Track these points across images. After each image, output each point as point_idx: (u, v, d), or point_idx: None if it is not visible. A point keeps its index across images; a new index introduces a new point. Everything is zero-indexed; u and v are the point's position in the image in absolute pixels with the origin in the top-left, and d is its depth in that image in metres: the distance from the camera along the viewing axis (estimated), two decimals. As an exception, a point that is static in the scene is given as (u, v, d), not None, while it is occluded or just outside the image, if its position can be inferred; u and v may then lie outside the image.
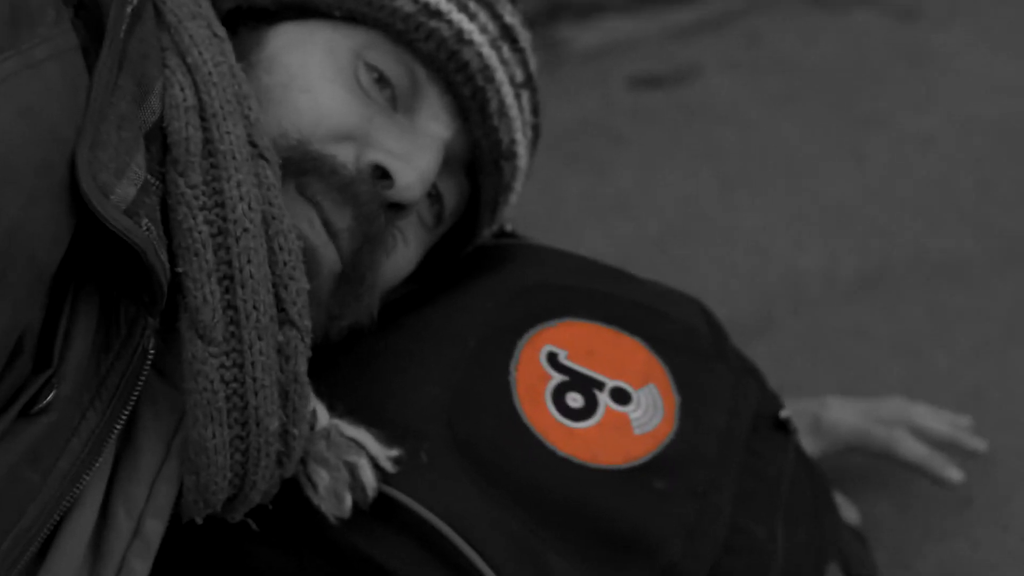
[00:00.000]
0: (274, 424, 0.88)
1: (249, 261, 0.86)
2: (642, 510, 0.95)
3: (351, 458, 0.93)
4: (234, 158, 0.88)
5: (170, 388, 0.91)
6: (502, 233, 1.18)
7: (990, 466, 1.49)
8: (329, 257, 0.96)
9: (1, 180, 0.73)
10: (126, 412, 0.85)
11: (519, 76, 1.07)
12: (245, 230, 0.86)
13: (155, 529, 0.90)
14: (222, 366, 0.86)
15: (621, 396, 1.00)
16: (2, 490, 0.78)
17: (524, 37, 1.10)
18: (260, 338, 0.87)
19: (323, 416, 0.95)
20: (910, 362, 1.68)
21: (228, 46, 0.94)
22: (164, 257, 0.82)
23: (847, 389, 1.52)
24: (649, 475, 0.96)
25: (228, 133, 0.88)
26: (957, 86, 2.34)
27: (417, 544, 0.91)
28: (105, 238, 0.79)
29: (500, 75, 1.05)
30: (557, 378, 0.99)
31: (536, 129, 1.11)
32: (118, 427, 0.85)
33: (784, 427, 1.08)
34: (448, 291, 1.05)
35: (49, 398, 0.78)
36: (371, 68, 1.00)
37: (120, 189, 0.81)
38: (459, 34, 1.03)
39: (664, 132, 2.20)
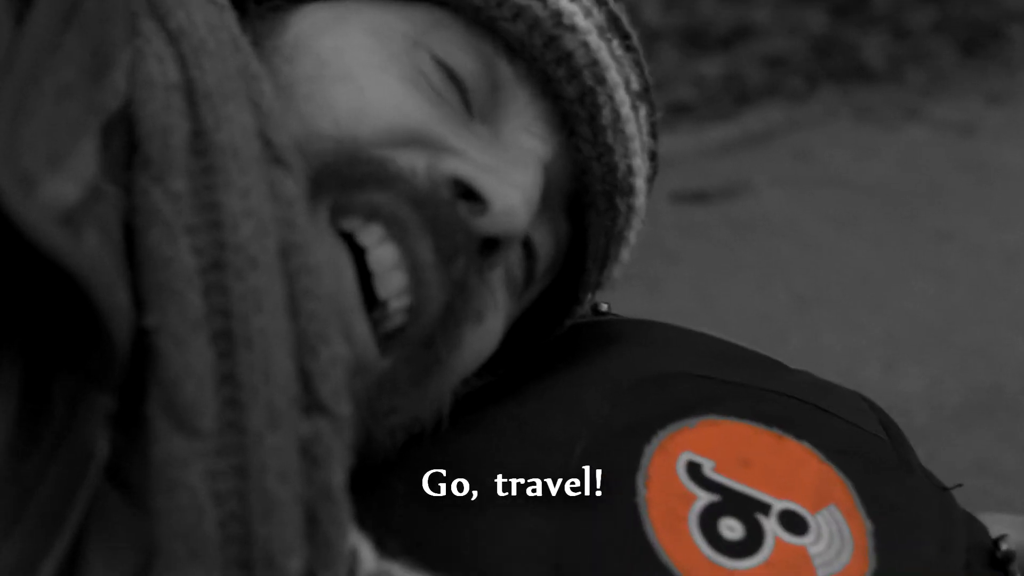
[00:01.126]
0: (294, 566, 0.59)
1: (259, 310, 0.60)
2: None
3: None
4: (237, 156, 0.63)
5: (133, 511, 0.62)
6: (596, 312, 0.90)
7: None
8: (385, 317, 0.69)
9: None
10: (59, 544, 0.58)
11: (635, 82, 0.81)
12: (252, 263, 0.60)
13: None
14: (213, 473, 0.59)
15: (794, 522, 0.75)
16: None
17: (634, 35, 0.84)
18: (274, 429, 0.60)
19: (368, 559, 0.65)
20: None
21: (229, 14, 0.69)
22: (124, 297, 0.57)
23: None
24: None
25: (228, 120, 0.63)
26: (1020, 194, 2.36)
27: None
28: (30, 263, 0.55)
29: (613, 75, 0.79)
30: (705, 498, 0.74)
31: (655, 159, 0.83)
32: (45, 569, 0.58)
33: (1003, 565, 0.81)
34: (538, 382, 0.78)
35: None
36: (437, 61, 0.75)
37: (53, 184, 0.57)
38: (557, 15, 0.77)
39: (718, 247, 2.17)
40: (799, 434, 0.79)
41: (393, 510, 0.71)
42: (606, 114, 0.77)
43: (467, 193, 0.70)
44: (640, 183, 0.80)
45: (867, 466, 0.80)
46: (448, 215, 0.69)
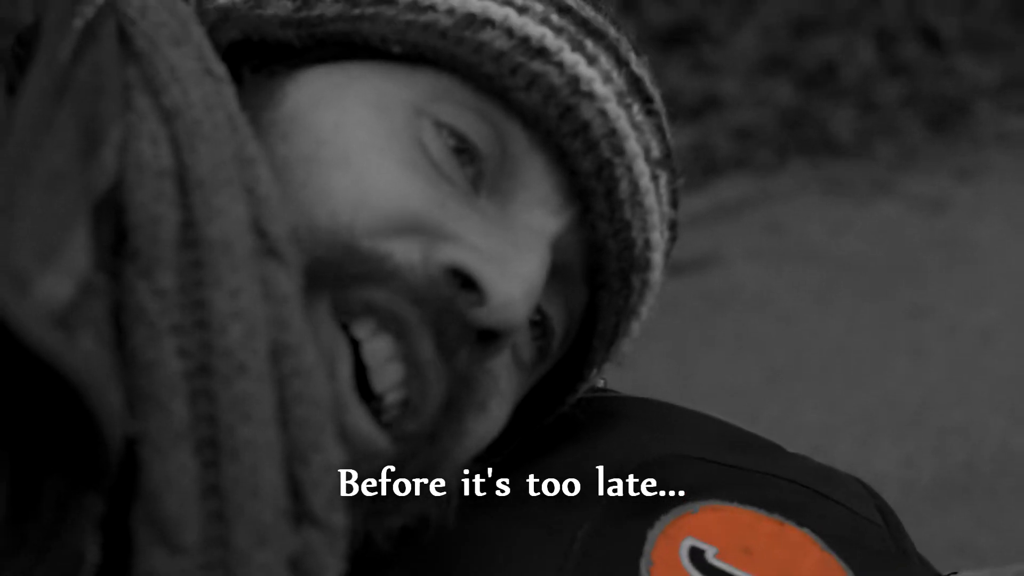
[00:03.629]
0: None
1: (247, 419, 0.58)
2: None
3: None
4: (228, 252, 0.60)
5: None
6: (593, 388, 0.88)
7: None
8: (381, 411, 0.65)
9: None
10: None
11: (656, 149, 0.76)
12: (241, 369, 0.58)
13: None
14: None
15: None
16: None
17: (657, 97, 0.79)
18: (260, 546, 0.57)
19: None
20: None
21: (227, 89, 0.66)
22: (116, 399, 0.55)
23: None
24: None
25: (221, 213, 0.61)
26: (1003, 277, 2.33)
27: None
28: (18, 362, 0.53)
29: (632, 145, 0.74)
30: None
31: (674, 229, 0.79)
32: None
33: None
34: (537, 462, 0.75)
35: None
36: (443, 129, 0.71)
37: (46, 283, 0.54)
38: (575, 82, 0.72)
39: (691, 321, 2.15)
40: (800, 521, 0.76)
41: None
42: (624, 187, 0.72)
43: (467, 282, 0.66)
44: (657, 258, 0.75)
45: (866, 554, 0.78)
46: (448, 310, 0.65)
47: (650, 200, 0.74)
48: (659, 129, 0.76)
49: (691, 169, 2.69)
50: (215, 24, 0.71)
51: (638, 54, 0.78)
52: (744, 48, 3.16)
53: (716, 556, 0.72)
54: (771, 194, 2.60)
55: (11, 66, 0.63)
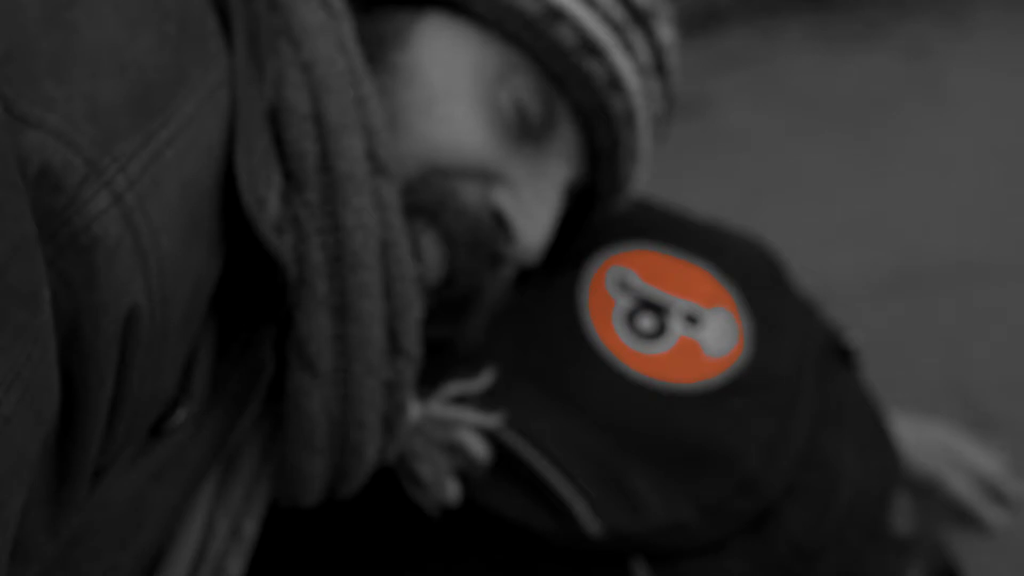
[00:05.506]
0: (373, 451, 0.82)
1: (365, 296, 0.77)
2: (720, 428, 0.92)
3: (455, 438, 0.88)
4: (352, 180, 0.77)
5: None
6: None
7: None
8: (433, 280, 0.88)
9: (193, 236, 0.66)
10: (240, 422, 0.78)
11: (661, 106, 0.97)
12: (361, 263, 0.77)
13: (251, 529, 0.83)
14: (326, 399, 0.78)
15: (692, 320, 0.97)
16: (130, 508, 0.72)
17: (674, 55, 0.98)
18: (368, 375, 0.79)
19: (415, 411, 0.88)
20: (946, 357, 1.71)
21: (346, 26, 0.82)
22: (293, 273, 0.76)
23: (886, 381, 1.46)
24: (726, 395, 0.94)
25: (346, 150, 0.77)
26: (975, 118, 2.36)
27: (512, 476, 0.89)
28: (243, 254, 0.72)
29: (642, 117, 0.95)
30: (628, 300, 0.97)
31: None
32: (231, 437, 0.78)
33: (848, 357, 1.06)
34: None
35: (183, 418, 0.71)
36: (514, 95, 0.89)
37: (270, 202, 0.74)
38: (613, 79, 0.91)
39: (678, 158, 2.06)
40: (701, 259, 1.03)
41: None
42: (626, 149, 0.94)
43: (503, 222, 0.88)
44: (644, 148, 0.97)
45: (751, 284, 1.03)
46: (486, 237, 0.87)
47: (644, 151, 0.97)
48: (666, 88, 0.97)
49: (690, 18, 2.48)
50: None
51: (671, 24, 0.97)
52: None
53: (636, 280, 0.99)
54: (759, 42, 2.61)
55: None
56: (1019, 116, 2.36)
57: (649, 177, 1.02)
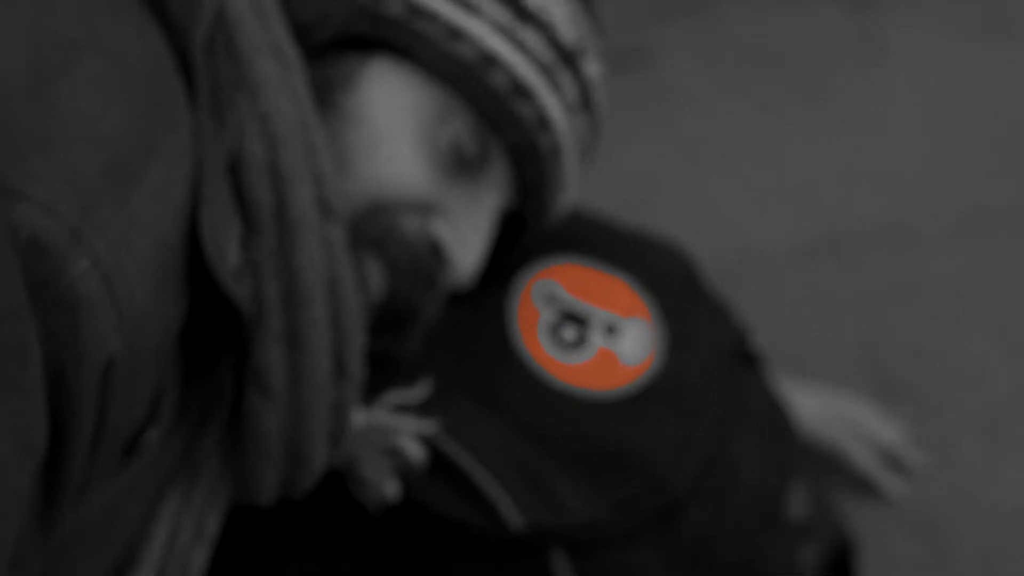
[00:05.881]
0: (320, 461, 0.92)
1: (314, 328, 0.86)
2: (633, 432, 1.03)
3: (395, 443, 0.98)
4: (302, 225, 0.85)
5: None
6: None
7: (936, 411, 1.56)
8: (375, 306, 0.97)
9: (162, 287, 0.74)
10: (203, 437, 0.87)
11: (588, 138, 1.05)
12: (311, 300, 0.85)
13: (213, 526, 0.93)
14: (279, 419, 0.87)
15: (611, 331, 1.07)
16: (106, 517, 0.81)
17: (600, 91, 1.05)
18: (317, 397, 0.88)
19: (359, 419, 0.98)
20: (868, 325, 1.74)
21: (298, 76, 0.88)
22: (251, 311, 0.84)
23: (800, 347, 1.62)
24: (640, 401, 1.05)
25: (298, 199, 0.85)
26: (907, 73, 2.36)
27: (445, 476, 1.00)
28: (205, 295, 0.79)
29: (569, 152, 1.03)
30: (552, 313, 1.06)
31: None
32: (195, 451, 0.87)
33: (751, 359, 1.17)
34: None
35: (153, 439, 0.79)
36: (452, 135, 0.97)
37: (230, 251, 0.81)
38: (543, 120, 0.99)
39: (616, 112, 2.08)
40: (619, 270, 1.11)
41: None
42: (553, 183, 1.03)
43: (440, 249, 0.96)
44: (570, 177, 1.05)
45: (667, 293, 1.12)
46: (425, 264, 0.97)
47: (572, 183, 1.05)
48: (594, 124, 1.05)
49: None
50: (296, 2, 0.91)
51: (599, 59, 1.04)
52: None
53: (561, 292, 1.08)
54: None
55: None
56: (958, 75, 2.34)
57: (577, 197, 1.10)
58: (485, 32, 0.96)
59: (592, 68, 1.03)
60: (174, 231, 0.74)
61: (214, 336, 0.82)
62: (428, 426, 0.99)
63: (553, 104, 0.99)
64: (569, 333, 1.06)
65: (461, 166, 0.97)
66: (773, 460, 1.11)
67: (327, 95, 0.94)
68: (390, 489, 0.98)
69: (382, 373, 0.99)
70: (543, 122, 0.99)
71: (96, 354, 0.69)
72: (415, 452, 0.98)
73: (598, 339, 1.06)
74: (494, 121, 0.97)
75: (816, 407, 1.38)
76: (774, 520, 1.10)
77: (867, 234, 1.95)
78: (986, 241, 1.93)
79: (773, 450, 1.12)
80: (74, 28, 0.73)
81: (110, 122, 0.72)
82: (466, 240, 0.98)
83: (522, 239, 1.08)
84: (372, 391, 0.99)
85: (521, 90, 0.97)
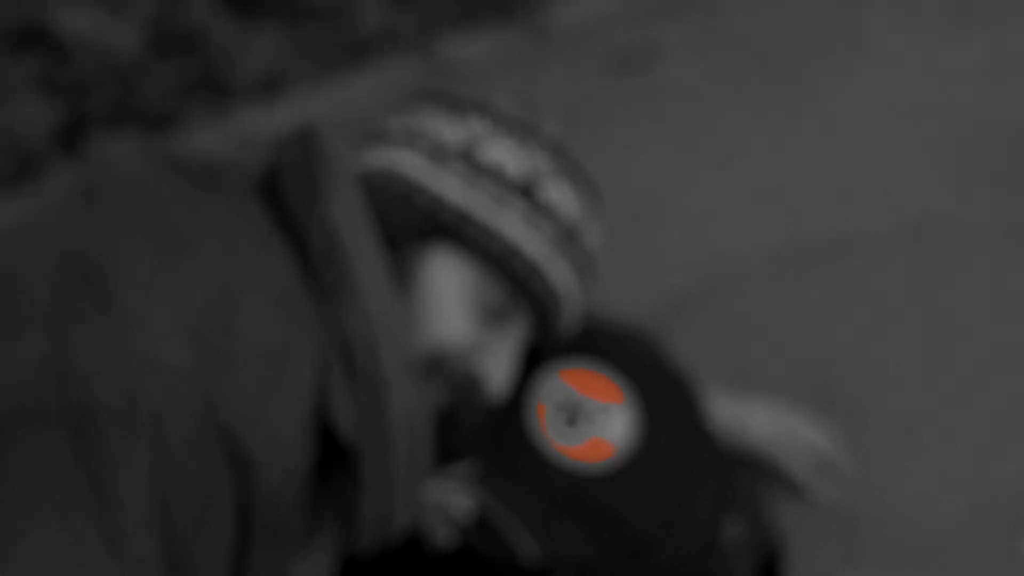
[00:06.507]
0: (399, 528, 1.17)
1: (399, 465, 1.13)
2: (614, 495, 1.29)
3: (452, 502, 1.24)
4: (392, 383, 1.10)
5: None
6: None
7: (880, 419, 1.64)
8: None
9: (305, 441, 1.04)
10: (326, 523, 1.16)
11: (588, 284, 1.30)
12: (397, 435, 1.12)
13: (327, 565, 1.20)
14: (373, 508, 1.13)
15: (600, 418, 1.33)
16: None
17: (594, 234, 1.29)
18: (400, 494, 1.13)
19: (430, 490, 1.25)
20: (820, 336, 1.79)
21: (382, 268, 1.13)
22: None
23: (751, 360, 1.70)
24: (620, 471, 1.30)
25: (386, 361, 1.09)
26: (885, 68, 2.38)
27: (485, 524, 1.25)
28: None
29: (573, 302, 1.27)
30: (555, 407, 1.33)
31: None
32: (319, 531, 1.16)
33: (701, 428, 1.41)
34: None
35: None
36: (488, 298, 1.21)
37: (343, 407, 1.09)
38: (551, 293, 1.25)
39: (617, 108, 2.20)
40: (605, 369, 1.38)
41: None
42: (557, 318, 1.28)
43: (479, 380, 1.21)
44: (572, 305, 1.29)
45: (639, 380, 1.38)
46: (468, 392, 1.22)
47: (574, 315, 1.29)
48: (588, 262, 1.28)
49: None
50: (389, 202, 1.19)
51: (599, 225, 1.28)
52: None
53: (563, 388, 1.37)
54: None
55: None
56: (933, 75, 2.35)
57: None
58: (511, 231, 1.21)
59: (592, 238, 1.28)
60: (310, 404, 1.04)
61: (332, 458, 1.15)
62: (475, 492, 1.25)
63: (559, 276, 1.23)
64: (568, 421, 1.34)
65: (495, 317, 1.22)
66: (718, 500, 1.36)
67: (404, 272, 1.19)
68: (446, 535, 1.24)
69: (446, 458, 1.31)
70: (550, 292, 1.25)
71: (267, 493, 1.08)
72: (464, 509, 1.24)
73: (589, 425, 1.34)
74: (518, 288, 1.23)
75: (758, 419, 1.48)
76: (714, 544, 1.33)
77: (819, 244, 1.95)
78: (929, 249, 1.94)
79: (718, 491, 1.34)
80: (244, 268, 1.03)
81: (273, 338, 1.03)
82: (499, 362, 1.23)
83: (541, 353, 1.38)
84: (439, 469, 1.31)
85: (535, 273, 1.23)
